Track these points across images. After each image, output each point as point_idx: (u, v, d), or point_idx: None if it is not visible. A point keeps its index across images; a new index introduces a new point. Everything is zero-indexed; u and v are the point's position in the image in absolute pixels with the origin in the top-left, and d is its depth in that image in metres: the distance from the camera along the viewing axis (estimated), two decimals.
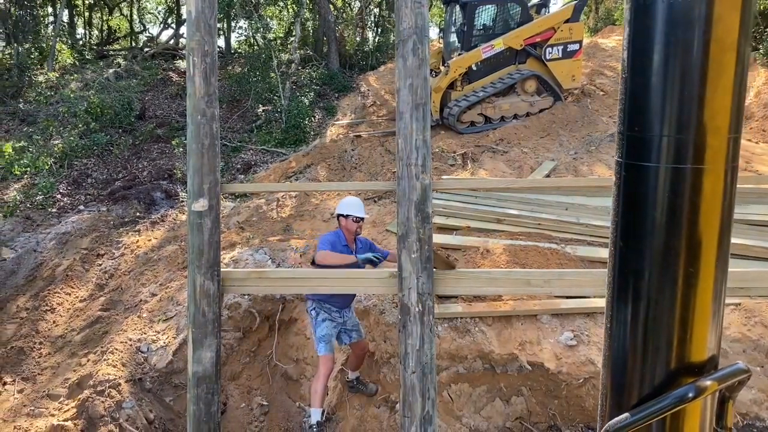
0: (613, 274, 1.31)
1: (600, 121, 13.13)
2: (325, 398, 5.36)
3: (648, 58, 1.17)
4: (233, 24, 22.47)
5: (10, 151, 12.31)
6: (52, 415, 5.54)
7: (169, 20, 28.17)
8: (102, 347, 6.43)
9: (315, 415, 5.05)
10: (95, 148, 14.21)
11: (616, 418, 1.23)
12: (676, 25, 1.12)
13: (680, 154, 1.15)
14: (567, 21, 13.63)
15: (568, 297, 5.59)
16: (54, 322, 7.70)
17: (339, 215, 5.31)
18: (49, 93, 17.03)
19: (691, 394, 1.17)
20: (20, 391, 6.34)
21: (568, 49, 13.67)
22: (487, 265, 6.35)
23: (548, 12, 14.63)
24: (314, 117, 16.18)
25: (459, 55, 13.87)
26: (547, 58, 13.58)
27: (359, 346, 5.63)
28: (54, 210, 11.56)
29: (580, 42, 13.79)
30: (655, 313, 1.24)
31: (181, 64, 21.79)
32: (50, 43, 19.96)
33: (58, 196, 12.13)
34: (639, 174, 1.21)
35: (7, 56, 18.13)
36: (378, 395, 5.74)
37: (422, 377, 3.90)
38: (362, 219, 5.26)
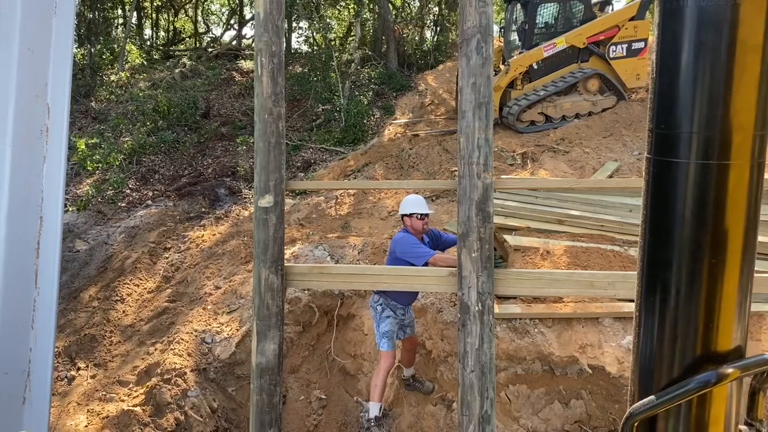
0: (641, 266, 1.37)
1: None
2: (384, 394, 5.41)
3: (676, 59, 1.22)
4: (294, 24, 22.82)
5: (84, 147, 12.97)
6: (122, 401, 5.79)
7: (232, 21, 28.91)
8: (168, 337, 6.67)
9: (374, 409, 5.10)
10: (162, 145, 14.74)
11: (642, 401, 1.30)
12: (704, 28, 1.17)
13: (707, 151, 1.20)
14: (632, 18, 13.27)
15: (631, 300, 5.45)
16: (123, 311, 8.04)
17: (403, 216, 5.18)
18: (119, 92, 17.75)
19: (713, 380, 1.23)
20: (93, 377, 6.64)
21: (633, 48, 13.30)
22: (547, 266, 6.26)
23: (612, 9, 14.30)
24: (373, 116, 16.29)
25: (520, 53, 13.70)
26: (611, 56, 13.26)
27: (410, 341, 5.65)
28: (123, 204, 12.04)
29: (645, 40, 13.39)
30: (682, 304, 1.29)
31: (244, 64, 22.30)
32: (120, 44, 20.78)
33: (128, 191, 12.64)
34: (667, 169, 1.27)
35: (81, 57, 18.99)
36: (435, 393, 5.76)
37: (481, 376, 3.89)
38: (427, 215, 5.15)
